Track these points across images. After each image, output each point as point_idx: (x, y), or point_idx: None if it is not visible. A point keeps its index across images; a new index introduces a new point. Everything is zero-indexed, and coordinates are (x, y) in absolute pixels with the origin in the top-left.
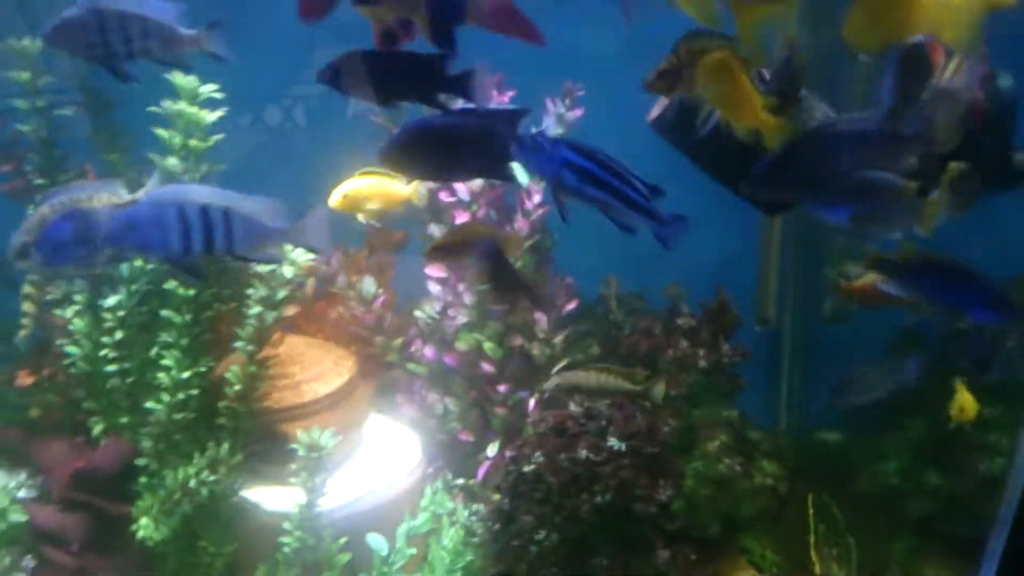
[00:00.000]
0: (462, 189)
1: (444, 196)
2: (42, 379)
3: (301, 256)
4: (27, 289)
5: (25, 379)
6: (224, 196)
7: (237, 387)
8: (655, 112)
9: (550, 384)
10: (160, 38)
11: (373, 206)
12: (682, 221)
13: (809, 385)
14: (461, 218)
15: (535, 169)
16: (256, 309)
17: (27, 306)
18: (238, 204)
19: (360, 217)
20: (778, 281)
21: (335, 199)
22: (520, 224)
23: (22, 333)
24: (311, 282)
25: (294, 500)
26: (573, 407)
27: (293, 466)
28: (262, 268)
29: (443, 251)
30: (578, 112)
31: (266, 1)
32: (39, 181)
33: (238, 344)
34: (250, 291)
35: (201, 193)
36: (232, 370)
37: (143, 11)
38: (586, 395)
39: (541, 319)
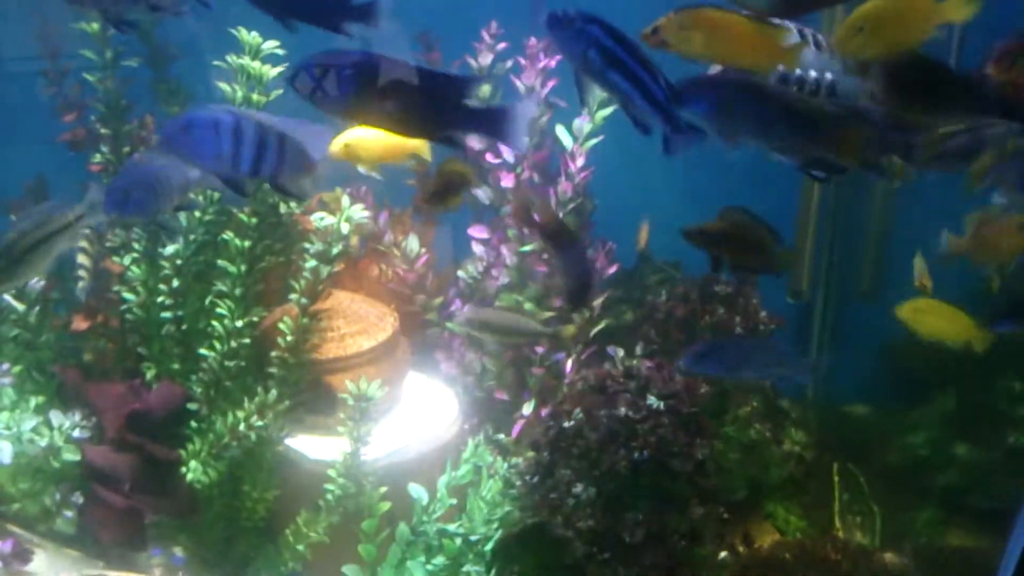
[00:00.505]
0: (507, 151)
1: (490, 158)
2: (96, 325)
3: (357, 213)
4: (82, 242)
5: (80, 324)
6: (282, 122)
7: (289, 338)
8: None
9: (460, 319)
10: None
11: (374, 156)
12: (695, 132)
13: (838, 359)
14: (506, 180)
15: (561, 46)
16: (311, 263)
17: (82, 258)
18: (292, 131)
19: (361, 168)
20: (812, 255)
21: (336, 147)
22: (564, 187)
23: (80, 285)
24: (355, 239)
25: (338, 449)
26: (608, 366)
27: (340, 415)
28: (318, 223)
29: (435, 196)
30: None
31: None
32: (103, 131)
33: (292, 296)
34: (306, 245)
35: (259, 115)
36: (285, 321)
37: None
38: (495, 333)
39: None
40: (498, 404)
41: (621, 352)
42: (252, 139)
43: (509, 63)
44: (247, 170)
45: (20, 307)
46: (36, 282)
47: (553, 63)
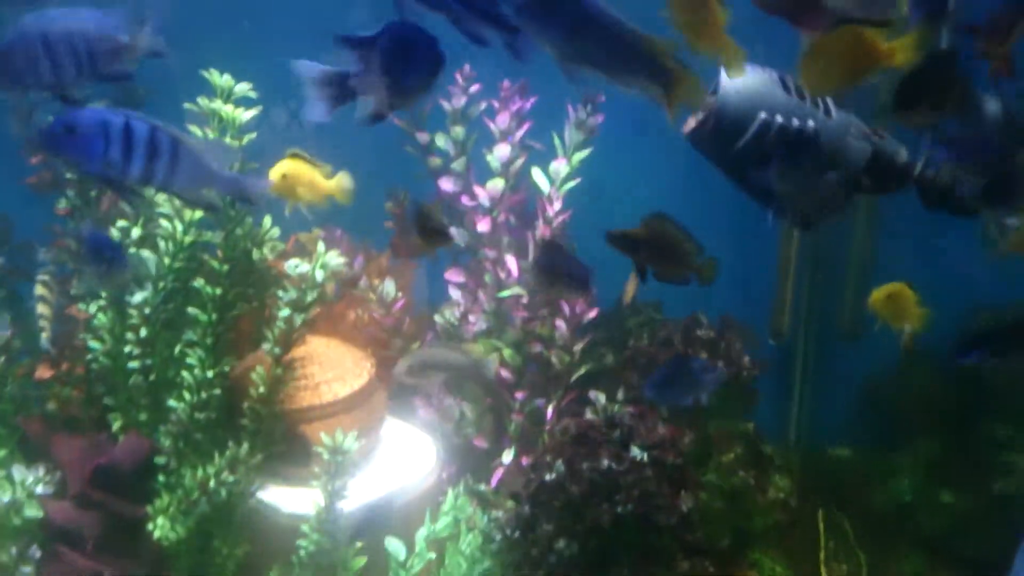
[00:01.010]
0: (483, 194)
1: (465, 200)
2: (61, 373)
3: (333, 259)
4: (39, 290)
5: (44, 372)
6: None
7: (261, 389)
8: (690, 124)
9: (400, 368)
10: (107, 53)
11: (303, 194)
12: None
13: (819, 401)
14: (482, 224)
15: None
16: (285, 312)
17: (41, 307)
18: (188, 138)
19: (288, 206)
20: (793, 296)
21: (274, 177)
22: (542, 231)
23: (43, 335)
24: (331, 283)
25: (312, 502)
26: (590, 414)
27: (314, 468)
28: (293, 270)
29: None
30: (599, 118)
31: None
32: (68, 175)
33: (265, 346)
34: (280, 293)
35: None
36: (258, 371)
37: (88, 26)
38: (435, 371)
39: (561, 326)
40: (477, 451)
41: (603, 398)
42: (144, 141)
43: (483, 105)
44: (138, 175)
45: None
46: (1, 331)
47: (528, 105)
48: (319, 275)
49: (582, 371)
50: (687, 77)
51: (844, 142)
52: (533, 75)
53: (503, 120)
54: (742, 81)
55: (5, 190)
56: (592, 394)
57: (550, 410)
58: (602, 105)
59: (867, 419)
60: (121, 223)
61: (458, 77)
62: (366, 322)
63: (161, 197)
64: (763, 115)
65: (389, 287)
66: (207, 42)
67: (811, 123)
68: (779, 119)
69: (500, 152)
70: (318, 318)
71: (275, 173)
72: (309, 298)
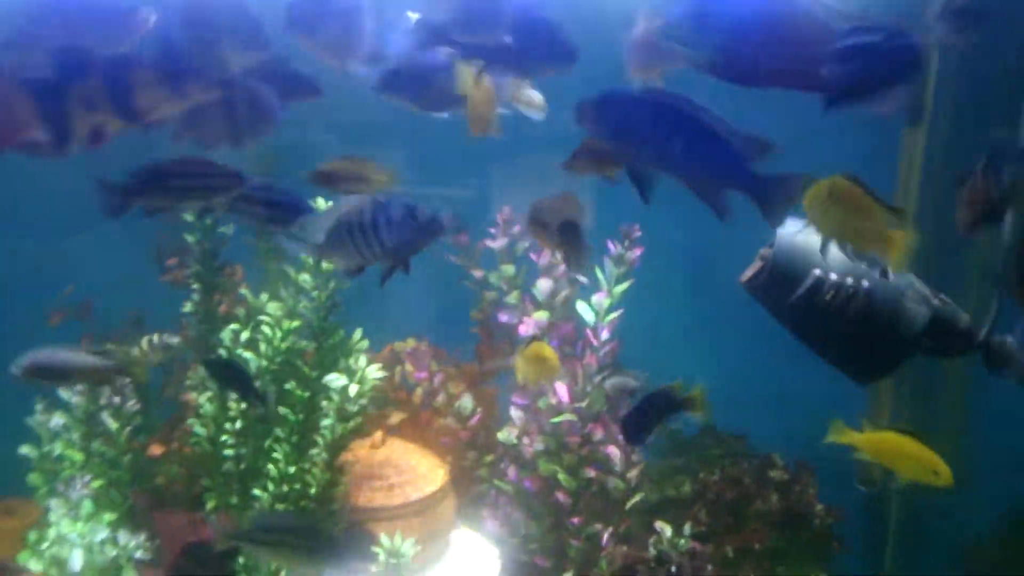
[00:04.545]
0: (531, 324)
1: (522, 330)
2: (170, 451)
3: (372, 373)
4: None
5: (156, 450)
6: None
7: (313, 490)
8: (748, 274)
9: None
10: None
11: None
12: None
13: (914, 557)
14: None
15: None
16: (328, 420)
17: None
18: None
19: None
20: None
21: None
22: (588, 360)
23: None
24: (419, 391)
25: None
26: (653, 545)
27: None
28: (333, 384)
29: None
30: (637, 251)
31: None
32: (195, 286)
33: (313, 451)
34: (323, 403)
35: None
36: (313, 473)
37: None
38: (61, 378)
39: (614, 453)
40: (540, 569)
41: (668, 531)
42: None
43: (527, 243)
44: None
45: (113, 425)
46: (132, 404)
47: None
48: (352, 389)
49: (636, 499)
50: None
51: (901, 304)
52: None
53: (544, 257)
54: (799, 236)
55: (143, 289)
56: (657, 525)
57: (606, 536)
58: (640, 239)
59: None
60: (233, 326)
61: (499, 219)
62: (446, 432)
63: (273, 305)
64: (817, 271)
65: (466, 402)
66: None
67: (865, 283)
68: (833, 276)
69: (543, 286)
70: (406, 424)
71: None
72: (353, 408)
